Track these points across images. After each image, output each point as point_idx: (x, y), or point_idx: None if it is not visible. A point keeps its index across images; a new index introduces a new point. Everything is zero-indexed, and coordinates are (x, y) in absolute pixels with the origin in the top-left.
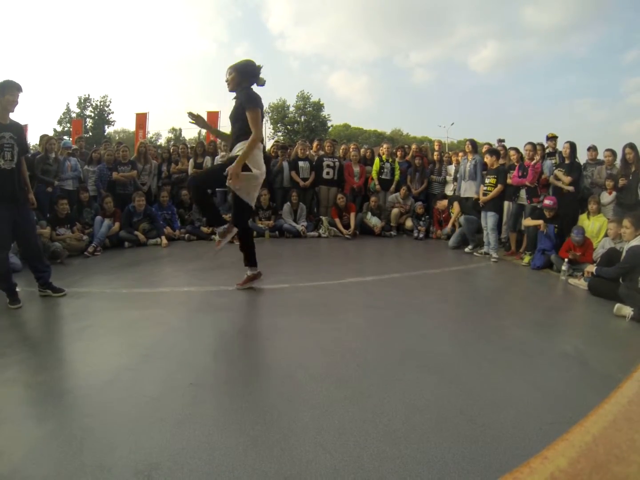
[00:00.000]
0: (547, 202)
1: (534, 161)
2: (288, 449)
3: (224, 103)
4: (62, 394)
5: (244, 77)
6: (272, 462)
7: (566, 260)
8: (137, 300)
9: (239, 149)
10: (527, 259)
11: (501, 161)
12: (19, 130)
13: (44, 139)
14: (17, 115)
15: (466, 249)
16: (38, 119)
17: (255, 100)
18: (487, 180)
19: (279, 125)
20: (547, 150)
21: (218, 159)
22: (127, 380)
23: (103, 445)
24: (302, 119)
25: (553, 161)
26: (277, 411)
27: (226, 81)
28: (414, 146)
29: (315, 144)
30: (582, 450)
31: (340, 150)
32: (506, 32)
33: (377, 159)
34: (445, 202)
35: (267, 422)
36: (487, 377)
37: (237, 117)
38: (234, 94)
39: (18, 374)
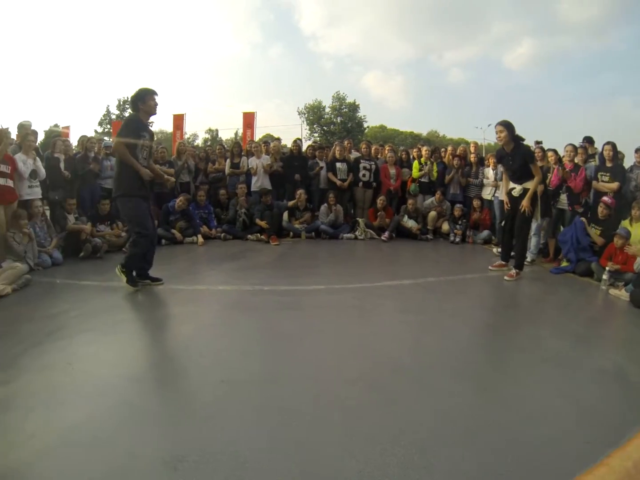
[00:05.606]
0: (606, 198)
1: (577, 165)
2: (314, 450)
3: (260, 104)
4: (95, 383)
5: (514, 133)
6: (297, 463)
7: (607, 269)
8: (172, 297)
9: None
10: (564, 264)
11: (540, 163)
12: (151, 133)
13: (84, 139)
14: (60, 117)
15: (494, 250)
16: (80, 120)
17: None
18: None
19: (315, 126)
20: (589, 152)
21: (261, 162)
22: (160, 374)
23: (134, 434)
24: (339, 120)
25: (593, 163)
26: (306, 412)
27: (499, 139)
28: (450, 148)
29: (346, 143)
30: (621, 477)
31: (372, 151)
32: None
33: (415, 162)
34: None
35: (295, 422)
36: (522, 388)
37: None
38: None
39: (55, 361)
